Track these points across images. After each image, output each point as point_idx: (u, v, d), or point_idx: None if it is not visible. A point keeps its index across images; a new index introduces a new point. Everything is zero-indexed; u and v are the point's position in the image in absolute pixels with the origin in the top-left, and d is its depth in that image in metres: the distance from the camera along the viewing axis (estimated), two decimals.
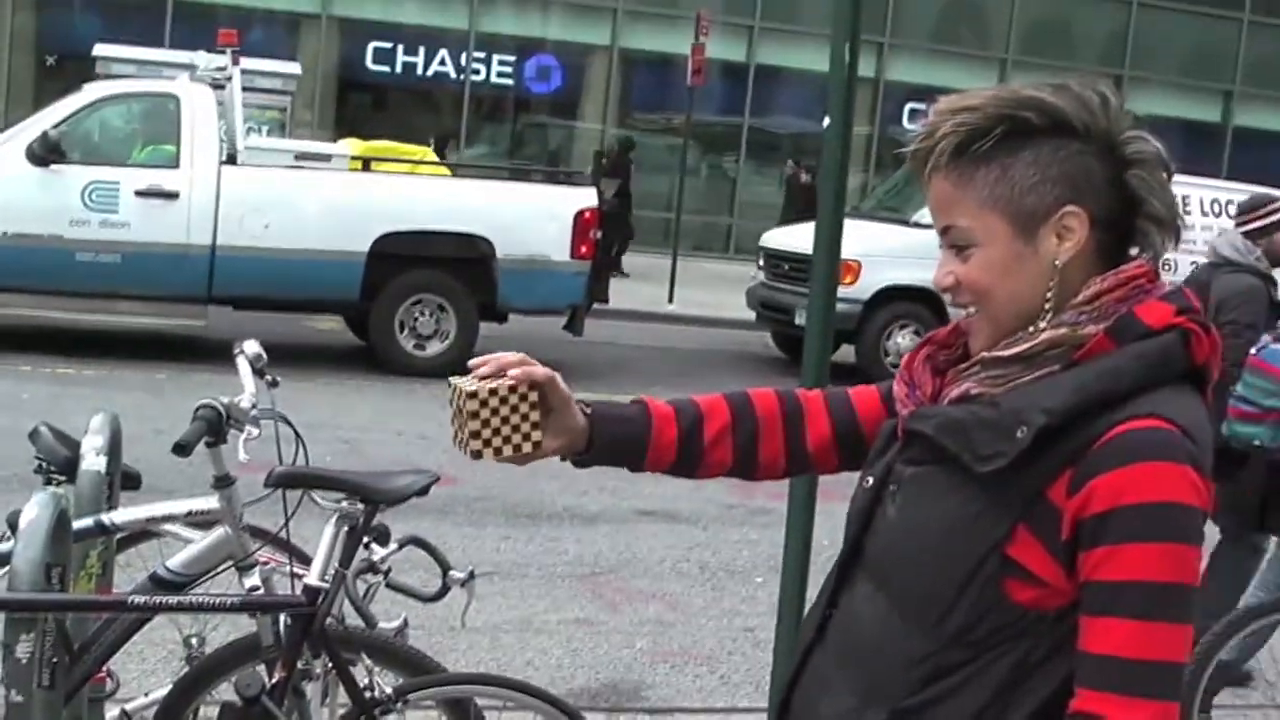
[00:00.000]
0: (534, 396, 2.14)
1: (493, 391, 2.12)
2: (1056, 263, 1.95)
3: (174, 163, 12.64)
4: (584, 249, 13.42)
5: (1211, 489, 1.89)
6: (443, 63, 28.11)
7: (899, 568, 2.01)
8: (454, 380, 2.16)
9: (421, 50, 27.98)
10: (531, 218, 13.42)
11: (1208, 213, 16.09)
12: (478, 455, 2.14)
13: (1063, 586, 1.88)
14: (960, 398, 1.99)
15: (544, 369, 2.20)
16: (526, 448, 2.15)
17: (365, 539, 3.93)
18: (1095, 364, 1.91)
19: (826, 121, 4.48)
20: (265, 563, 4.21)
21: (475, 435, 2.12)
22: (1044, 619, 1.90)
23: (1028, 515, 1.89)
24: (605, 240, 13.92)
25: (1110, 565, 1.83)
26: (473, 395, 2.12)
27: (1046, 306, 1.96)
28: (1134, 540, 1.82)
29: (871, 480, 2.11)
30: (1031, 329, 1.96)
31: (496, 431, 2.13)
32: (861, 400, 2.35)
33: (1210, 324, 1.98)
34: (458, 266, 13.37)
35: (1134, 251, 2.01)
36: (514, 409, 2.13)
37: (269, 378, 4.23)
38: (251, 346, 4.28)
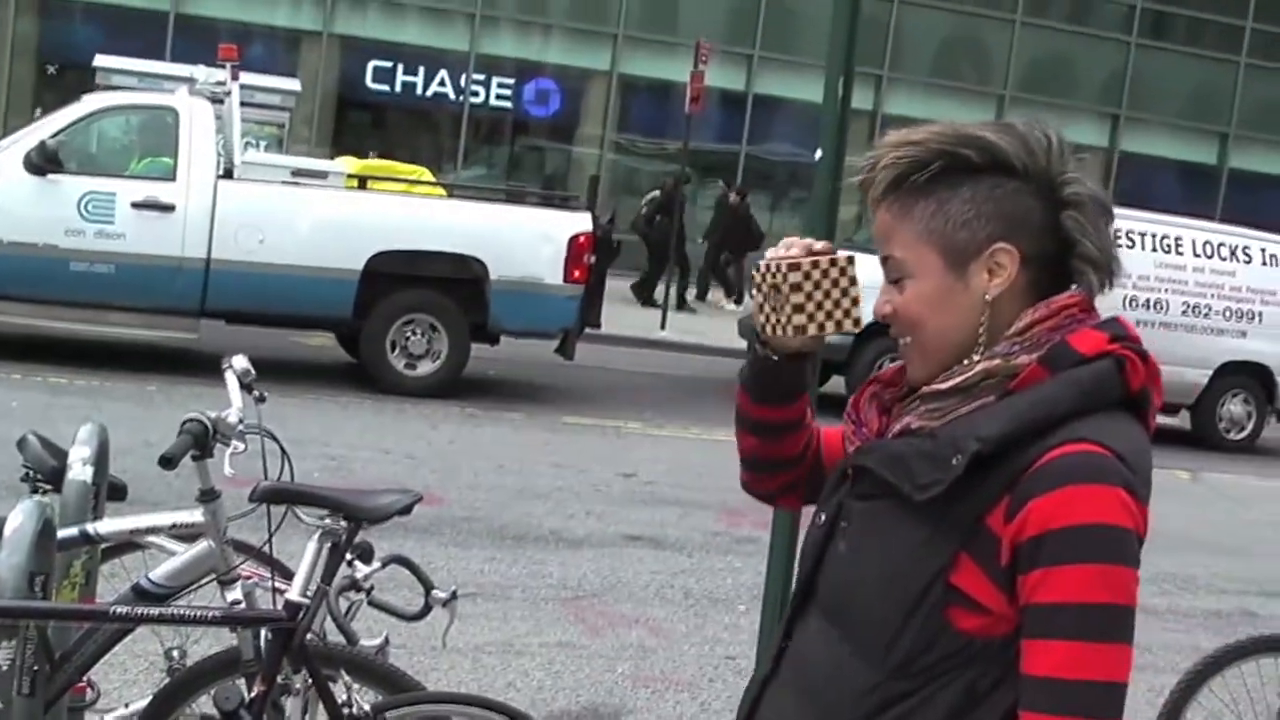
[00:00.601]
0: (852, 270, 2.09)
1: (815, 264, 2.08)
2: (987, 297, 2.00)
3: (171, 175, 12.66)
4: (577, 273, 13.43)
5: (1146, 513, 1.92)
6: (442, 83, 28.19)
7: (849, 600, 2.04)
8: (763, 261, 2.12)
9: (421, 70, 28.07)
10: (525, 240, 13.43)
11: (1200, 254, 16.13)
12: (801, 330, 2.09)
13: (1006, 613, 1.91)
14: (902, 432, 2.04)
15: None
16: (848, 324, 2.09)
17: (348, 556, 3.95)
18: (1030, 392, 1.94)
19: (819, 154, 4.51)
20: (248, 577, 4.22)
21: (799, 309, 2.08)
22: (990, 646, 1.92)
23: (968, 543, 1.92)
24: (600, 265, 13.94)
25: (1046, 588, 1.86)
26: (795, 267, 2.08)
27: (979, 340, 2.00)
28: (1068, 562, 1.85)
29: (824, 517, 2.14)
30: (966, 361, 2.00)
31: (819, 305, 2.08)
32: (827, 440, 2.38)
33: (1147, 352, 2.01)
34: (450, 287, 13.38)
35: (1073, 289, 2.04)
36: (835, 282, 2.09)
37: (257, 393, 4.25)
38: (240, 361, 4.30)
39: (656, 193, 24.14)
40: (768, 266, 2.10)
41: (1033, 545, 1.87)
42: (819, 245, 2.12)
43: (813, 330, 2.09)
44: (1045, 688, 1.86)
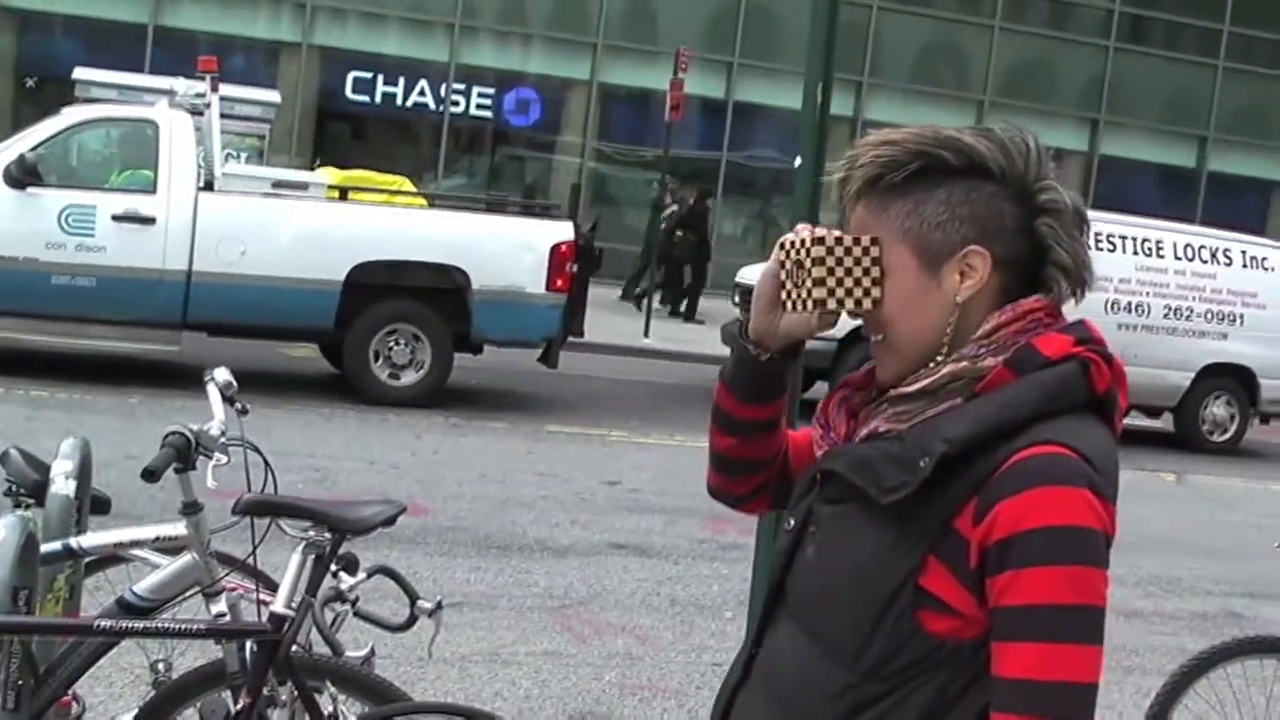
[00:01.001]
0: (876, 251, 2.04)
1: (838, 240, 2.06)
2: (957, 299, 2.01)
3: (151, 188, 12.63)
4: (559, 282, 13.43)
5: (1113, 513, 1.93)
6: (422, 93, 28.17)
7: (818, 604, 2.04)
8: (787, 238, 2.10)
9: (401, 81, 28.04)
10: (507, 250, 13.42)
11: (1180, 257, 16.18)
12: (820, 305, 2.06)
13: (975, 615, 1.92)
14: (869, 435, 2.04)
15: None
16: (867, 303, 2.05)
17: (333, 567, 3.95)
18: (996, 395, 1.96)
19: (798, 161, 4.52)
20: (232, 589, 4.21)
21: (819, 283, 2.05)
22: (960, 650, 1.93)
23: (936, 546, 1.92)
24: (582, 274, 13.94)
25: (1016, 590, 1.87)
26: (819, 241, 2.06)
27: (945, 341, 2.01)
28: (1036, 564, 1.86)
29: (793, 522, 2.15)
30: (933, 364, 2.01)
31: (840, 282, 2.05)
32: (794, 443, 2.38)
33: (1112, 354, 2.02)
34: (433, 297, 13.37)
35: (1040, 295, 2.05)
36: (857, 261, 2.05)
37: (239, 405, 4.24)
38: (221, 374, 4.30)
39: (675, 207, 23.92)
40: (792, 243, 2.10)
41: (1001, 548, 1.88)
42: (836, 232, 2.11)
43: (832, 305, 2.07)
44: (1017, 689, 1.87)
